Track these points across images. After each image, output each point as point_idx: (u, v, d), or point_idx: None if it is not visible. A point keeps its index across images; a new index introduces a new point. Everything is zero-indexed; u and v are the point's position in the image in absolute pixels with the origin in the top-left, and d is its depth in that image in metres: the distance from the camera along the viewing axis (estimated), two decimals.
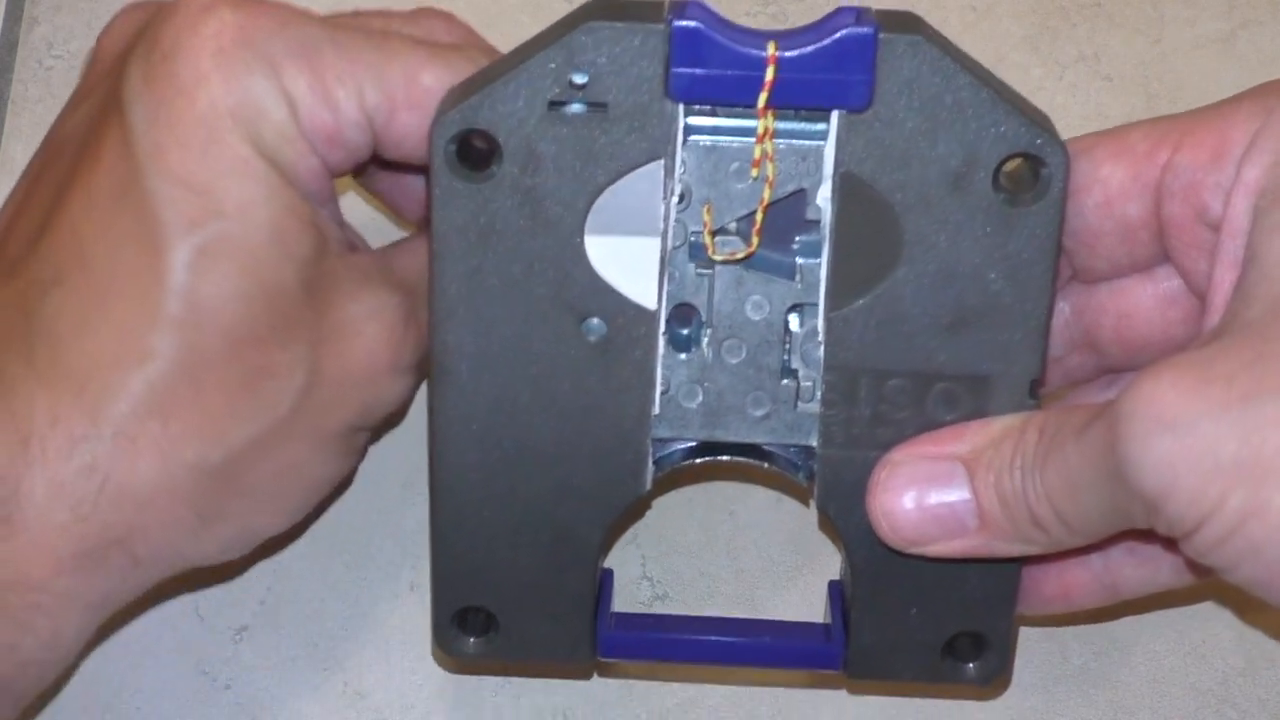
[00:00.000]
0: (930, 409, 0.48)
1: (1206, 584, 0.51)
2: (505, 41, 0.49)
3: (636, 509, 0.53)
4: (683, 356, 0.48)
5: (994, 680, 0.50)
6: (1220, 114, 0.46)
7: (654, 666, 0.54)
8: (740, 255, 0.47)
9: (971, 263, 0.46)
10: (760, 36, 0.44)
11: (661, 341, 0.47)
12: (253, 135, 0.46)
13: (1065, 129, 0.47)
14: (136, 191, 0.46)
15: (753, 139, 0.46)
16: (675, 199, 0.46)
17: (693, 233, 0.47)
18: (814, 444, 0.48)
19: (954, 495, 0.46)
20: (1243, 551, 0.42)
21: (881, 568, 0.49)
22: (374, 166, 0.51)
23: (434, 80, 0.47)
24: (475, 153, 0.46)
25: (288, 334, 0.47)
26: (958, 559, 0.47)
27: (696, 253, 0.47)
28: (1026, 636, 0.55)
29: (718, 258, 0.47)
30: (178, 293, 0.46)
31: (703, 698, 0.54)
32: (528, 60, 0.45)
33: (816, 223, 0.47)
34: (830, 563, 0.55)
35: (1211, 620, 0.55)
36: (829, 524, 0.50)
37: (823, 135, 0.46)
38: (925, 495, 0.47)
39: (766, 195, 0.46)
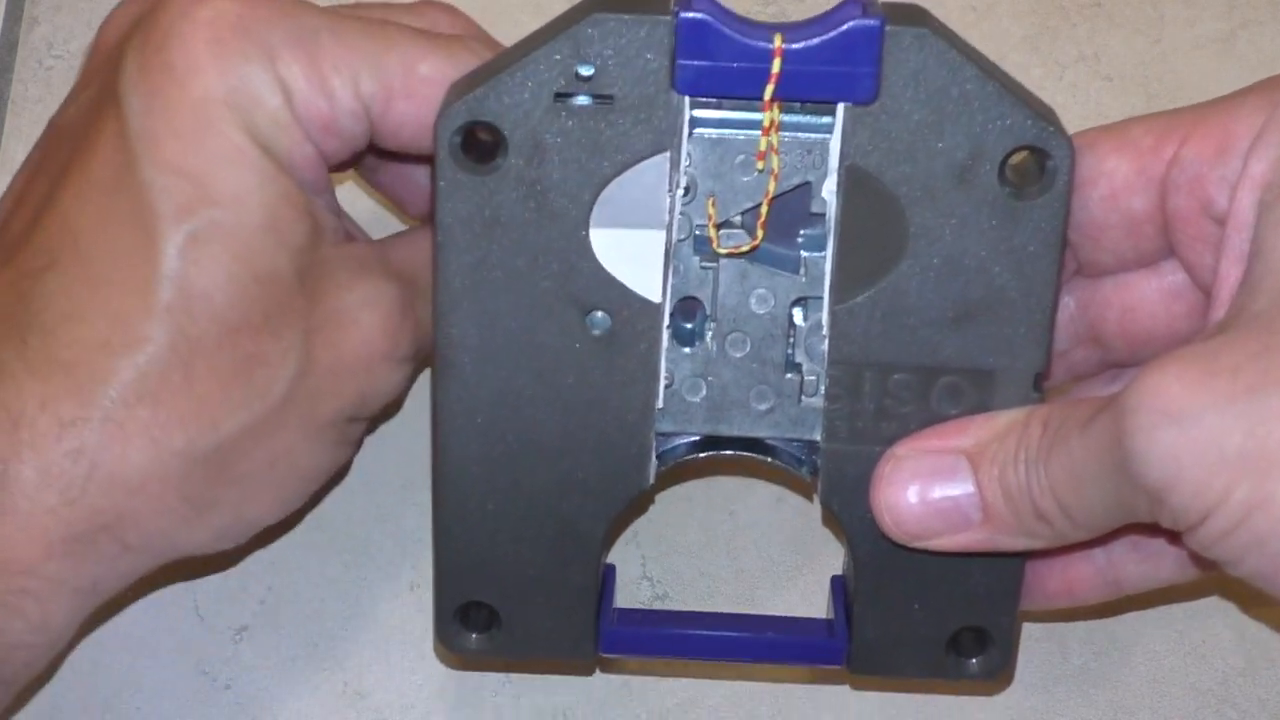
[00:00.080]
0: (934, 403, 0.48)
1: (1209, 579, 0.51)
2: (506, 38, 0.49)
3: (639, 503, 0.53)
4: (687, 350, 0.48)
5: (998, 675, 0.50)
6: (1225, 108, 0.46)
7: (654, 664, 0.54)
8: (745, 248, 0.47)
9: (976, 256, 0.46)
10: (766, 29, 0.44)
11: (666, 335, 0.47)
12: (247, 123, 0.46)
13: (1066, 129, 0.46)
14: (131, 180, 0.46)
15: (758, 132, 0.46)
16: (680, 192, 0.46)
17: (697, 226, 0.47)
18: (818, 438, 0.48)
19: (958, 489, 0.46)
20: (1248, 544, 0.42)
21: (885, 563, 0.49)
22: (372, 157, 0.51)
23: (432, 70, 0.47)
24: (480, 145, 0.46)
25: (281, 322, 0.47)
26: (961, 554, 0.47)
27: (701, 246, 0.47)
28: (1027, 636, 0.55)
29: (722, 251, 0.47)
30: (170, 279, 0.46)
31: (703, 697, 0.54)
32: (533, 52, 0.45)
33: (821, 216, 0.47)
34: (831, 563, 0.55)
35: (1212, 620, 0.55)
36: (832, 519, 0.50)
37: (828, 128, 0.46)
38: (929, 489, 0.47)
39: (771, 188, 0.46)
